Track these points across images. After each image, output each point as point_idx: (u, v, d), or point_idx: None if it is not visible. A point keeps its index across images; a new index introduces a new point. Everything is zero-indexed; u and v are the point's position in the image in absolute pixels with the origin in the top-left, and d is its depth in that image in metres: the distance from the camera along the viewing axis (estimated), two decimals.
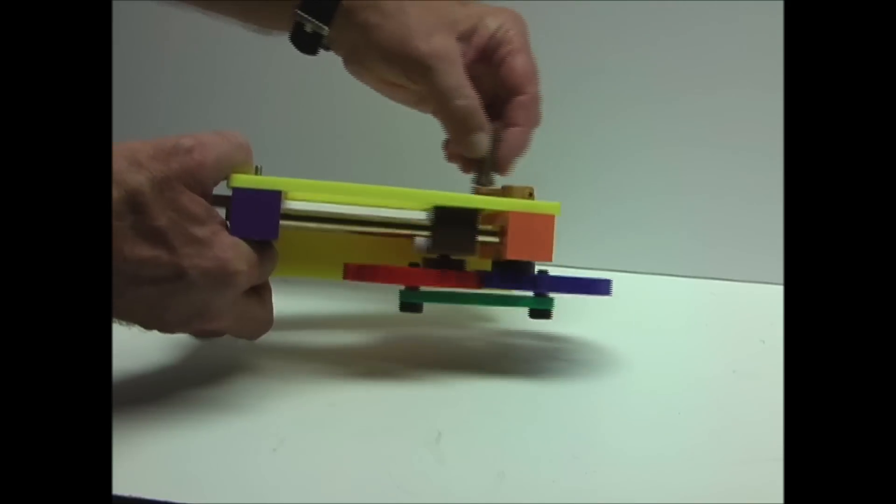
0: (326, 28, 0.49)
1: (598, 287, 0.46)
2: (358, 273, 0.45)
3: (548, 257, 0.45)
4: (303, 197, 0.47)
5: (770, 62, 0.55)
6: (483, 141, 0.49)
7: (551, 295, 0.46)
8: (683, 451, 0.41)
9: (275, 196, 0.42)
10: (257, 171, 0.43)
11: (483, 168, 0.51)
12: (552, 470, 0.39)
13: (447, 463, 0.40)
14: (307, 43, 0.50)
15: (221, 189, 0.42)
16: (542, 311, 0.46)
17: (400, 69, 0.49)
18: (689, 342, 0.53)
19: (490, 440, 0.42)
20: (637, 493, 0.38)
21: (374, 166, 0.67)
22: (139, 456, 0.39)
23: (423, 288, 0.45)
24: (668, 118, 0.66)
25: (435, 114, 0.51)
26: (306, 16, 0.49)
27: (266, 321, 0.45)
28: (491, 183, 0.51)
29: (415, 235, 0.47)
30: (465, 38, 0.50)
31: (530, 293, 0.46)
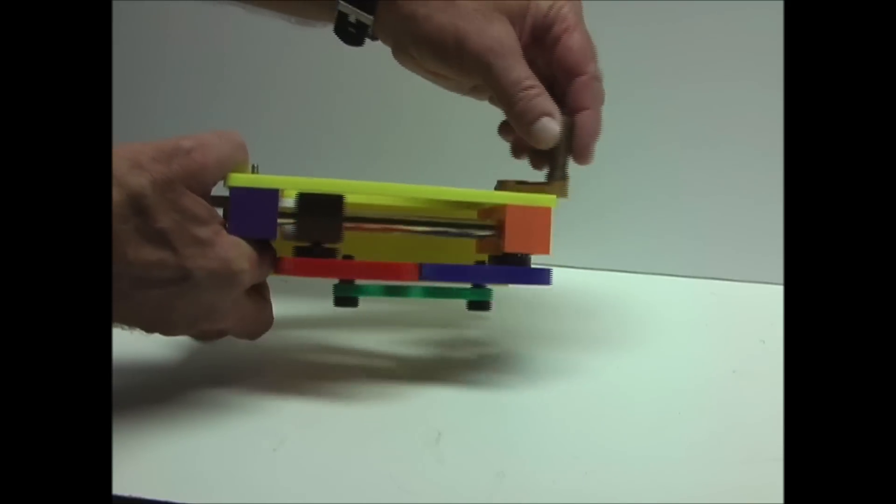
0: (371, 17, 0.48)
1: (540, 276, 0.45)
2: (291, 267, 0.44)
3: (545, 250, 0.44)
4: (300, 188, 0.47)
5: (770, 62, 0.55)
6: (552, 126, 0.46)
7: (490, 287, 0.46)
8: (683, 451, 0.41)
9: (272, 195, 0.42)
10: (254, 170, 0.43)
11: (557, 159, 0.48)
12: (552, 470, 0.39)
13: (447, 463, 0.40)
14: (352, 34, 0.49)
15: (219, 189, 0.42)
16: (479, 302, 0.46)
17: (455, 65, 0.47)
18: (689, 342, 0.53)
19: (490, 440, 0.42)
20: (637, 493, 0.38)
21: (373, 164, 0.67)
22: (139, 456, 0.39)
23: (359, 282, 0.45)
24: (668, 118, 0.66)
25: (496, 103, 0.48)
26: (350, 6, 0.48)
27: (267, 320, 0.45)
28: (566, 177, 0.48)
29: (411, 231, 0.46)
30: (516, 19, 0.47)
31: (467, 285, 0.46)
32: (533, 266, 0.45)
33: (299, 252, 0.44)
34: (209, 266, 0.39)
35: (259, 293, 0.44)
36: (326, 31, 0.50)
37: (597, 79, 0.48)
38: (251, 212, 0.42)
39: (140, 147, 0.39)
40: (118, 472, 0.34)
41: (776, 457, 0.39)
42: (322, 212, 0.44)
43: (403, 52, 0.49)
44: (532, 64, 0.47)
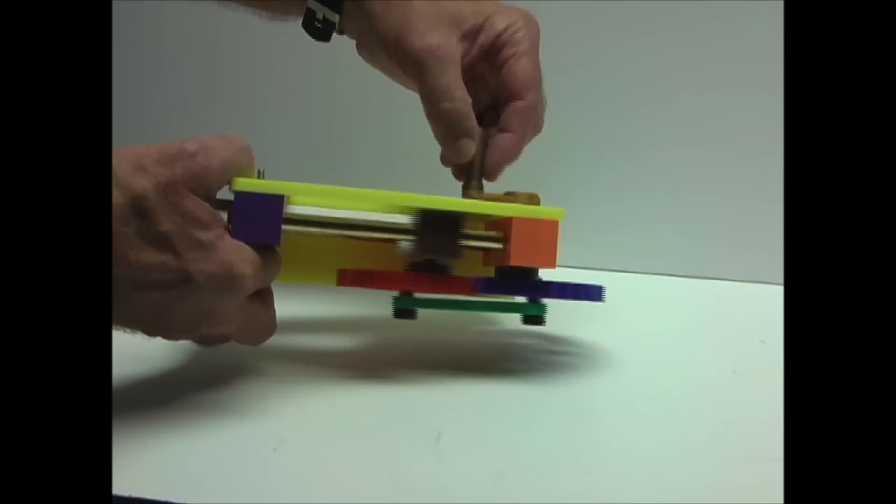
0: (337, 16, 0.49)
1: (591, 293, 0.45)
2: (352, 279, 0.45)
3: (551, 264, 0.44)
4: (305, 201, 0.47)
5: (770, 62, 0.55)
6: (469, 147, 0.48)
7: (545, 301, 0.46)
8: (683, 451, 0.41)
9: (277, 200, 0.42)
10: (259, 175, 0.43)
11: (471, 173, 0.49)
12: (552, 470, 0.39)
13: (447, 463, 0.40)
14: (319, 31, 0.50)
15: (223, 193, 0.42)
16: (534, 317, 0.46)
17: (396, 62, 0.48)
18: (689, 342, 0.53)
19: (490, 440, 0.42)
20: (637, 493, 0.38)
21: (378, 171, 0.67)
22: (139, 456, 0.39)
23: (418, 294, 0.45)
24: (668, 118, 0.66)
25: (423, 105, 0.49)
26: (318, 3, 0.49)
27: (269, 326, 0.44)
28: (480, 189, 0.50)
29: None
30: (470, 36, 0.48)
31: (523, 299, 0.46)
32: (587, 283, 0.45)
33: (414, 267, 0.45)
34: (210, 270, 0.39)
35: (262, 299, 0.44)
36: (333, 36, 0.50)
37: (532, 108, 0.48)
38: (255, 216, 0.42)
39: (143, 149, 0.38)
40: (118, 472, 0.34)
41: (776, 457, 0.39)
42: (443, 229, 0.44)
43: (364, 47, 0.50)
44: (481, 80, 0.48)
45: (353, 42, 0.51)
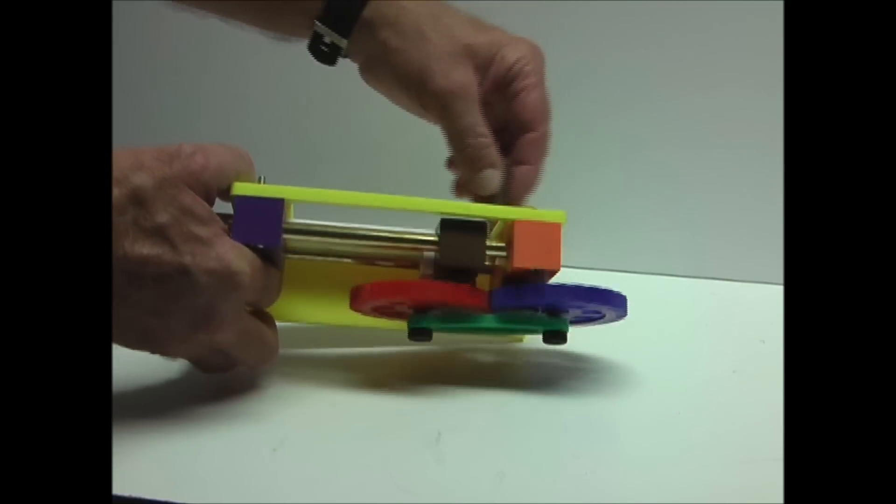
0: (345, 41, 0.49)
1: (612, 300, 0.44)
2: (371, 293, 0.43)
3: (555, 265, 0.44)
4: (304, 198, 0.47)
5: (770, 62, 0.55)
6: (494, 179, 0.49)
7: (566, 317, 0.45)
8: (683, 451, 0.41)
9: (277, 204, 0.42)
10: (260, 182, 0.43)
11: (494, 203, 0.49)
12: (552, 470, 0.39)
13: (447, 463, 0.40)
14: (325, 54, 0.50)
15: (226, 208, 0.42)
16: (555, 332, 0.44)
17: (416, 99, 0.49)
18: (690, 342, 0.53)
19: (490, 440, 0.42)
20: (637, 493, 0.38)
21: (380, 180, 0.67)
22: (139, 456, 0.39)
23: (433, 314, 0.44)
24: (667, 118, 0.66)
25: (447, 141, 0.50)
26: (326, 28, 0.49)
27: (272, 346, 0.44)
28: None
29: (421, 250, 0.45)
30: (482, 67, 0.49)
31: (542, 315, 0.45)
32: (605, 289, 0.44)
33: (439, 275, 0.44)
34: (207, 265, 0.39)
35: (264, 317, 0.43)
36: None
37: (546, 138, 0.50)
38: (255, 219, 0.41)
39: (142, 149, 0.39)
40: (118, 472, 0.34)
41: (776, 457, 0.39)
42: (467, 233, 0.44)
43: (371, 73, 0.50)
44: (491, 107, 0.49)
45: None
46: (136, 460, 0.39)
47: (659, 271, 0.64)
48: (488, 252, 0.45)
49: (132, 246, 0.37)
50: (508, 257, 0.44)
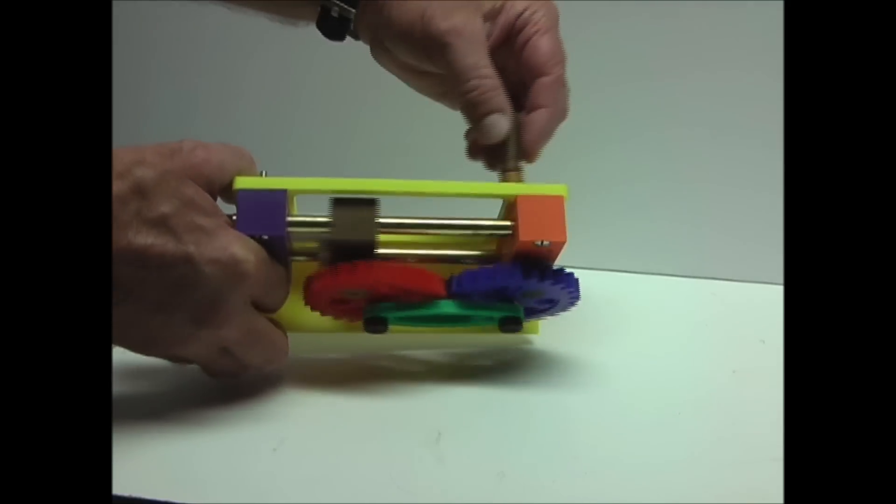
0: (353, 11, 0.48)
1: (567, 279, 0.44)
2: (316, 284, 0.43)
3: (561, 237, 0.43)
4: (306, 187, 0.46)
5: (770, 62, 0.55)
6: (502, 123, 0.45)
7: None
8: (683, 451, 0.41)
9: (279, 195, 0.42)
10: (262, 176, 0.43)
11: (507, 157, 0.47)
12: (552, 470, 0.39)
13: (447, 463, 0.40)
14: (334, 28, 0.49)
15: (228, 210, 0.42)
16: (510, 318, 0.45)
17: (419, 48, 0.46)
18: (689, 342, 0.53)
19: (490, 440, 0.42)
20: (637, 493, 0.38)
21: (381, 173, 0.67)
22: (139, 456, 0.39)
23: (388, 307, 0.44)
24: (668, 118, 0.65)
25: (454, 100, 0.48)
26: (333, 0, 0.48)
27: (280, 346, 0.44)
28: (519, 171, 0.47)
29: (436, 233, 0.46)
30: (489, 17, 0.47)
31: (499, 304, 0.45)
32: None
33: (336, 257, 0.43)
34: (211, 254, 0.39)
35: (272, 320, 0.43)
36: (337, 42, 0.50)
37: (560, 83, 0.47)
38: (258, 210, 0.41)
39: (144, 147, 0.39)
40: (118, 472, 0.34)
41: (776, 457, 0.39)
42: (358, 210, 0.43)
43: (379, 46, 0.49)
44: (503, 69, 0.46)
45: (360, 46, 0.51)
46: (136, 460, 0.39)
47: (659, 271, 0.64)
48: (495, 232, 0.45)
49: (135, 236, 0.38)
50: (514, 234, 0.44)
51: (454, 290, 0.44)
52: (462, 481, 0.38)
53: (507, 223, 0.45)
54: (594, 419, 0.44)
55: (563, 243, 0.43)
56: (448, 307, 0.44)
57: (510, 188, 0.45)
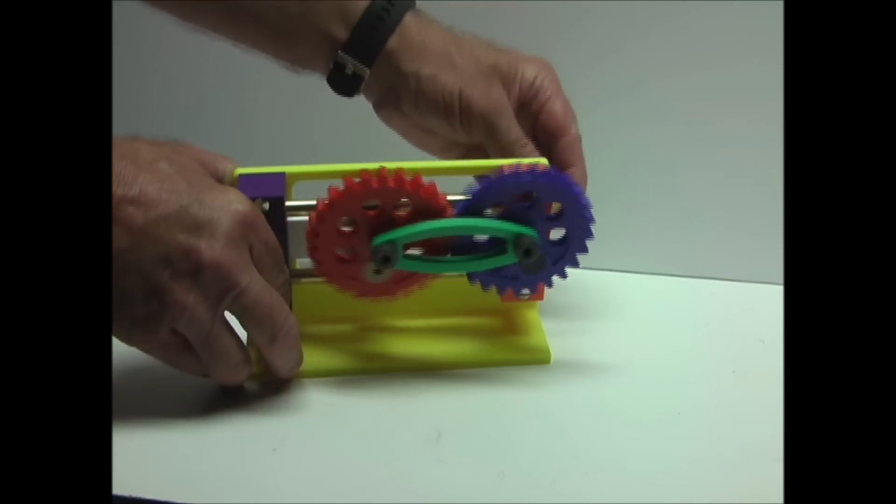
0: (368, 70, 0.50)
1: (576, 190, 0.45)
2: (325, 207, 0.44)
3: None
4: (304, 171, 0.47)
5: (770, 62, 0.55)
6: None
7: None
8: (683, 451, 0.41)
9: (279, 175, 0.45)
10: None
11: None
12: (552, 470, 0.39)
13: (447, 463, 0.40)
14: (345, 84, 0.51)
15: None
16: (524, 236, 0.44)
17: (458, 123, 0.50)
18: (689, 342, 0.53)
19: (490, 440, 0.42)
20: (637, 493, 0.38)
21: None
22: (139, 456, 0.39)
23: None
24: (668, 118, 0.65)
25: (457, 156, 0.53)
26: (349, 57, 0.50)
27: (299, 354, 0.45)
28: None
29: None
30: (507, 84, 0.51)
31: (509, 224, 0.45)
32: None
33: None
34: (203, 183, 0.41)
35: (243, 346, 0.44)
36: None
37: (579, 139, 0.52)
38: (258, 182, 0.44)
39: (159, 141, 0.42)
40: (118, 472, 0.34)
41: (776, 457, 0.39)
42: None
43: (392, 106, 0.51)
44: (518, 120, 0.51)
45: None
46: (136, 460, 0.39)
47: (659, 271, 0.64)
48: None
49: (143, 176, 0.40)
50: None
51: (464, 199, 0.45)
52: (462, 481, 0.38)
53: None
54: (594, 419, 0.44)
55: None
56: (459, 222, 0.44)
57: (495, 164, 0.46)
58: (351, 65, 0.50)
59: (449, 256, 0.46)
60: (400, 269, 0.45)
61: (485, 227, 0.45)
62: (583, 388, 0.47)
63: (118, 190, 0.38)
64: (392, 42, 0.49)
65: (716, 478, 0.39)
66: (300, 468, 0.39)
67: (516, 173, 0.44)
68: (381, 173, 0.43)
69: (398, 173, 0.43)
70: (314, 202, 0.45)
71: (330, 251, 0.45)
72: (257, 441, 0.41)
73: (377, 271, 0.45)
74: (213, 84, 0.73)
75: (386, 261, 0.44)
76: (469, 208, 0.45)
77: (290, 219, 0.45)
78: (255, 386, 0.45)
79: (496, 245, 0.45)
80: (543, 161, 0.48)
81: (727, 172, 0.65)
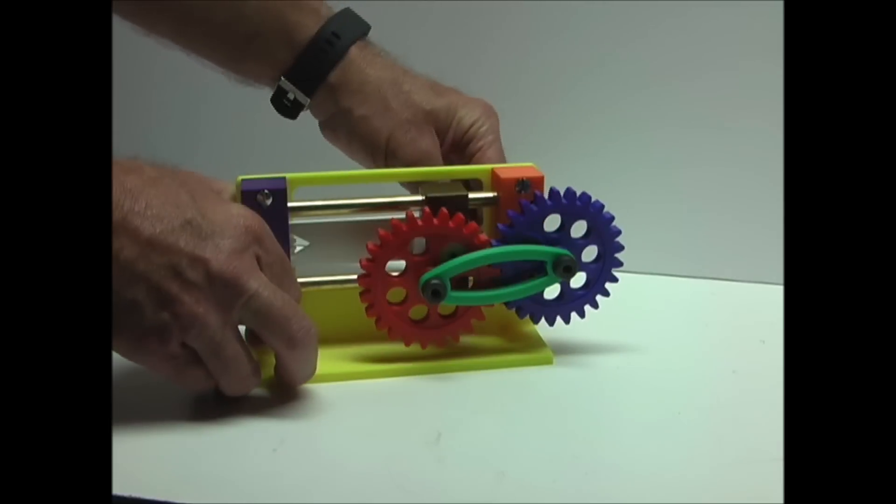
0: (308, 100, 0.52)
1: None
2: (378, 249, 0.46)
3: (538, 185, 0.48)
4: (305, 177, 0.48)
5: (771, 62, 0.55)
6: None
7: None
8: (683, 451, 0.41)
9: (280, 179, 0.46)
10: None
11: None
12: (552, 470, 0.39)
13: (447, 463, 0.40)
14: (287, 108, 0.53)
15: None
16: (562, 256, 0.47)
17: (382, 164, 0.52)
18: (689, 342, 0.53)
19: (490, 440, 0.42)
20: (637, 493, 0.38)
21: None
22: (139, 456, 0.39)
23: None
24: (668, 118, 0.66)
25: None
26: (290, 84, 0.52)
27: (314, 363, 0.44)
28: None
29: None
30: (442, 130, 0.52)
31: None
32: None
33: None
34: (214, 215, 0.41)
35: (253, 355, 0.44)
36: None
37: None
38: (261, 183, 0.45)
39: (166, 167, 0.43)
40: (118, 472, 0.34)
41: (776, 457, 0.39)
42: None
43: (332, 131, 0.53)
44: (451, 163, 0.53)
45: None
46: (136, 460, 0.39)
47: (659, 271, 0.64)
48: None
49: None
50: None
51: (501, 233, 0.47)
52: (462, 481, 0.38)
53: (491, 195, 0.49)
54: (594, 419, 0.44)
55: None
56: (499, 250, 0.47)
57: (484, 169, 0.49)
58: (292, 92, 0.52)
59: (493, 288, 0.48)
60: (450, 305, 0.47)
61: (524, 251, 0.47)
62: (582, 387, 0.47)
63: (125, 203, 0.38)
64: (333, 76, 0.51)
65: (716, 478, 0.39)
66: (300, 468, 0.39)
67: (541, 201, 0.47)
68: (425, 212, 0.46)
69: (442, 213, 0.46)
70: (315, 202, 0.47)
71: (382, 296, 0.47)
72: (257, 441, 0.41)
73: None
74: (212, 94, 0.73)
75: (436, 295, 0.45)
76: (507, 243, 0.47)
77: (291, 221, 0.46)
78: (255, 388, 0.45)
79: (537, 270, 0.48)
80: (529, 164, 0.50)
81: (727, 173, 0.65)
